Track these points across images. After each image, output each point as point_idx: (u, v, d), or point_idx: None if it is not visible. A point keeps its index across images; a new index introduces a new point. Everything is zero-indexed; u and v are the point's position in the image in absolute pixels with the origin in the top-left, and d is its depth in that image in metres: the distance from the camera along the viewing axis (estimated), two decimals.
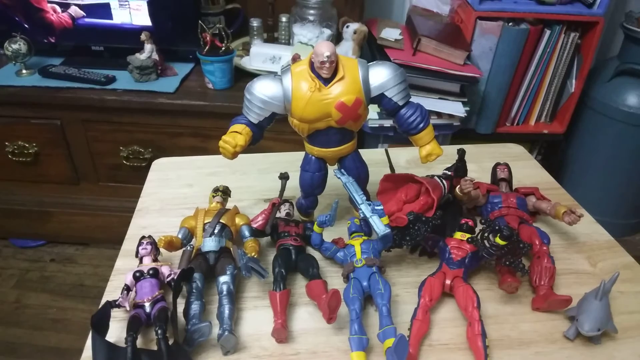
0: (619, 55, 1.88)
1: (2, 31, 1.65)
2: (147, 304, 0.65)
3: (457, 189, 0.82)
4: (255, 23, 1.73)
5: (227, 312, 0.65)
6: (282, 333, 0.64)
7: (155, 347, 0.61)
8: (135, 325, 0.61)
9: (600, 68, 1.90)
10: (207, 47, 1.52)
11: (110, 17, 1.72)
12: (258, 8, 1.83)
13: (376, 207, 0.71)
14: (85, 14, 1.73)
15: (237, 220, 0.78)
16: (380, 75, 0.71)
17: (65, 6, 1.73)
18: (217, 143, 0.73)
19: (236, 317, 0.68)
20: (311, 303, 0.71)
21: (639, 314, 0.72)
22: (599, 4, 1.64)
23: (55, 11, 1.73)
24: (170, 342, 0.60)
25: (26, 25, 1.68)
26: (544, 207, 0.84)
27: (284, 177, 0.88)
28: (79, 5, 1.73)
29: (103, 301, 0.67)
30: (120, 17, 1.71)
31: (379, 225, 0.70)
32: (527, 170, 1.05)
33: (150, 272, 0.68)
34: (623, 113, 1.79)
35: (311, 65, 0.69)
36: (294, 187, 0.84)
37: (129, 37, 1.68)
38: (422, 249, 0.80)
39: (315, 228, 0.75)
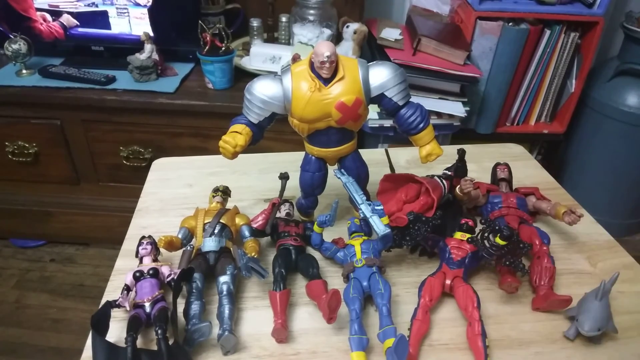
0: (619, 55, 1.88)
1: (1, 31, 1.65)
2: (147, 304, 0.65)
3: (457, 189, 0.82)
4: (255, 23, 1.73)
5: (227, 312, 0.65)
6: (282, 333, 0.64)
7: (155, 347, 0.61)
8: (135, 325, 0.61)
9: (600, 68, 1.90)
10: (207, 47, 1.52)
11: (107, 26, 1.67)
12: (258, 8, 1.83)
13: (376, 207, 0.71)
14: (78, 24, 1.66)
15: (237, 220, 0.78)
16: (380, 75, 0.71)
17: (56, 14, 1.64)
18: (217, 143, 0.73)
19: (236, 317, 0.68)
20: (311, 303, 0.71)
21: (639, 314, 0.72)
22: (599, 4, 1.64)
23: (45, 20, 1.64)
24: (170, 342, 0.60)
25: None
26: (544, 207, 0.84)
27: (284, 177, 0.88)
28: (72, 14, 1.64)
29: (103, 301, 0.67)
30: (118, 26, 1.67)
31: (379, 225, 0.70)
32: (527, 170, 1.05)
33: (150, 272, 0.68)
34: (623, 113, 1.79)
35: (311, 65, 0.69)
36: (294, 187, 0.84)
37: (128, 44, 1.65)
38: (422, 249, 0.80)
39: (315, 228, 0.75)
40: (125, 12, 1.64)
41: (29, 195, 1.84)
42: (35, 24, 1.66)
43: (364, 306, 0.67)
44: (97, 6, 1.65)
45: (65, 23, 1.66)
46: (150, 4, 1.62)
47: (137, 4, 1.63)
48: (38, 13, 1.65)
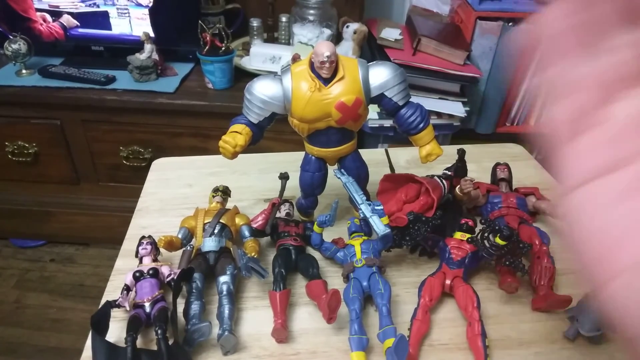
0: None
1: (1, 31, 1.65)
2: (147, 304, 0.65)
3: (457, 189, 0.82)
4: (255, 23, 1.73)
5: (227, 312, 0.65)
6: (282, 333, 0.64)
7: (155, 347, 0.61)
8: (135, 325, 0.61)
9: None
10: (207, 47, 1.52)
11: (108, 27, 1.66)
12: (258, 8, 1.83)
13: (376, 207, 0.71)
14: (79, 24, 1.66)
15: (237, 220, 0.78)
16: (380, 75, 0.71)
17: (56, 15, 1.63)
18: (217, 143, 0.73)
19: (236, 317, 0.68)
20: (311, 303, 0.71)
21: None
22: None
23: (45, 20, 1.63)
24: (170, 342, 0.60)
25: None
26: (544, 207, 0.84)
27: (284, 177, 0.88)
28: (72, 14, 1.63)
29: (103, 301, 0.67)
30: (119, 27, 1.66)
31: (379, 225, 0.70)
32: (527, 170, 1.05)
33: (150, 272, 0.68)
34: None
35: (311, 65, 0.69)
36: (294, 187, 0.84)
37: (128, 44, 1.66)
38: (422, 249, 0.80)
39: (315, 228, 0.75)
40: (126, 13, 1.64)
41: (29, 195, 1.84)
42: (35, 25, 1.65)
43: (364, 306, 0.67)
44: (98, 6, 1.64)
45: (65, 23, 1.66)
46: (151, 4, 1.62)
47: (139, 4, 1.63)
48: (38, 14, 1.64)
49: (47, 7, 1.65)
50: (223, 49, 1.53)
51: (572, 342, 0.67)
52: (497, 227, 0.67)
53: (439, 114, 1.58)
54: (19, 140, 1.69)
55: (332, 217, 0.72)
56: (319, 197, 0.85)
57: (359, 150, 0.80)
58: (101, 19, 1.65)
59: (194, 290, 0.67)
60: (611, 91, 0.23)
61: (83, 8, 1.65)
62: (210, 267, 0.71)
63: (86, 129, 1.66)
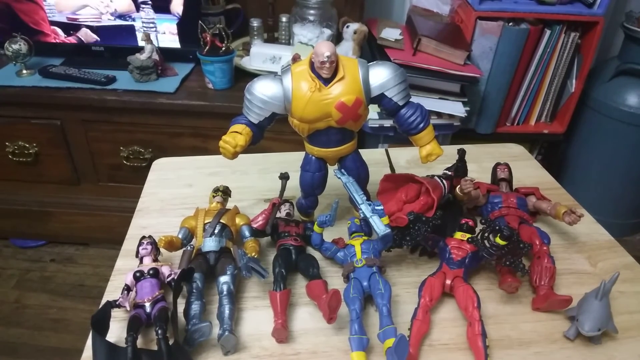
0: (619, 55, 1.88)
1: (2, 31, 1.65)
2: (147, 304, 0.65)
3: (457, 189, 0.82)
4: (255, 23, 1.73)
5: (227, 312, 0.65)
6: (282, 333, 0.64)
7: (155, 347, 0.61)
8: (136, 325, 0.61)
9: (600, 68, 1.90)
10: (207, 47, 1.52)
11: (134, 41, 1.65)
12: (258, 8, 1.83)
13: (376, 207, 0.71)
14: (98, 39, 1.61)
15: (238, 220, 0.78)
16: (381, 75, 0.71)
17: (74, 28, 1.60)
18: (217, 143, 0.73)
19: (236, 317, 0.68)
20: (311, 303, 0.71)
21: (639, 314, 0.72)
22: (599, 4, 1.64)
23: (56, 34, 1.61)
24: (171, 342, 0.60)
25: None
26: (544, 207, 0.84)
27: (284, 177, 0.88)
28: (91, 27, 1.58)
29: (103, 301, 0.67)
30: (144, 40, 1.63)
31: (379, 225, 0.70)
32: (527, 170, 1.05)
33: (151, 272, 0.68)
34: (623, 113, 1.79)
35: (311, 65, 0.69)
36: (294, 187, 0.84)
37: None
38: (422, 249, 0.80)
39: (316, 228, 0.75)
40: (152, 27, 1.61)
41: (29, 195, 1.84)
42: (47, 38, 1.64)
43: (364, 306, 0.67)
44: (126, 19, 1.61)
45: (82, 38, 1.63)
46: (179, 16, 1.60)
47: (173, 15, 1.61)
48: (51, 27, 1.62)
49: (64, 20, 1.61)
50: (223, 49, 1.53)
51: (572, 342, 0.67)
52: (497, 227, 0.67)
53: (439, 114, 1.58)
54: (19, 140, 1.69)
55: (333, 217, 0.72)
56: (319, 197, 0.85)
57: (359, 150, 0.80)
58: (126, 34, 1.62)
59: (194, 290, 0.67)
60: None
61: (106, 22, 1.61)
62: (211, 267, 0.72)
63: (86, 129, 1.66)
